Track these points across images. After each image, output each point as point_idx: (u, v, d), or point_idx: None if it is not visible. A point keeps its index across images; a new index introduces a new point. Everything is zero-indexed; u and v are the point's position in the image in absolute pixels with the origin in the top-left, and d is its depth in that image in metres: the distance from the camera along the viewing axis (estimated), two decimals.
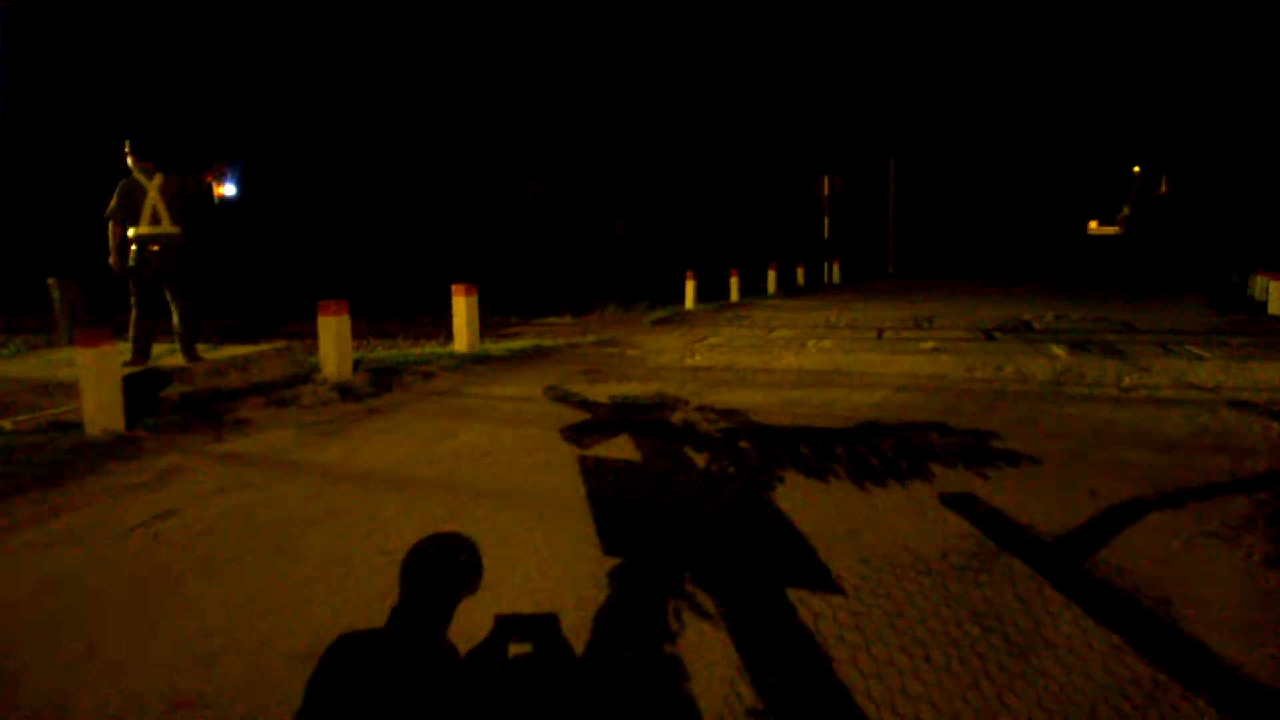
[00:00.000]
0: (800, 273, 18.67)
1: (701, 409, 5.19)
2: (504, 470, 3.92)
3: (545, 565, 2.75)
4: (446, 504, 3.41)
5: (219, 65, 28.75)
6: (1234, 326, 9.34)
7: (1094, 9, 52.20)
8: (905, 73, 37.11)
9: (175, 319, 6.10)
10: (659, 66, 34.83)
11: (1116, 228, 43.74)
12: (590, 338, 9.47)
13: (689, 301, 13.63)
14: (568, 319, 12.48)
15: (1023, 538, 2.89)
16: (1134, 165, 40.85)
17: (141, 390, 5.38)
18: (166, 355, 6.27)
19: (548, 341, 9.04)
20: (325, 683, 2.08)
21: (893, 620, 2.31)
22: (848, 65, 36.16)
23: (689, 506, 3.32)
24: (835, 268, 20.41)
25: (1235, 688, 1.95)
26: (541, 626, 2.32)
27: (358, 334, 8.13)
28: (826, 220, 19.50)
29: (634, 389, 5.97)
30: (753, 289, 15.86)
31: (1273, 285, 10.82)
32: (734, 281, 14.87)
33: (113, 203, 5.92)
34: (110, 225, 5.95)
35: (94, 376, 4.67)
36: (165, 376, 5.74)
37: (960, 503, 3.28)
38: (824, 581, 2.57)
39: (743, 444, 4.27)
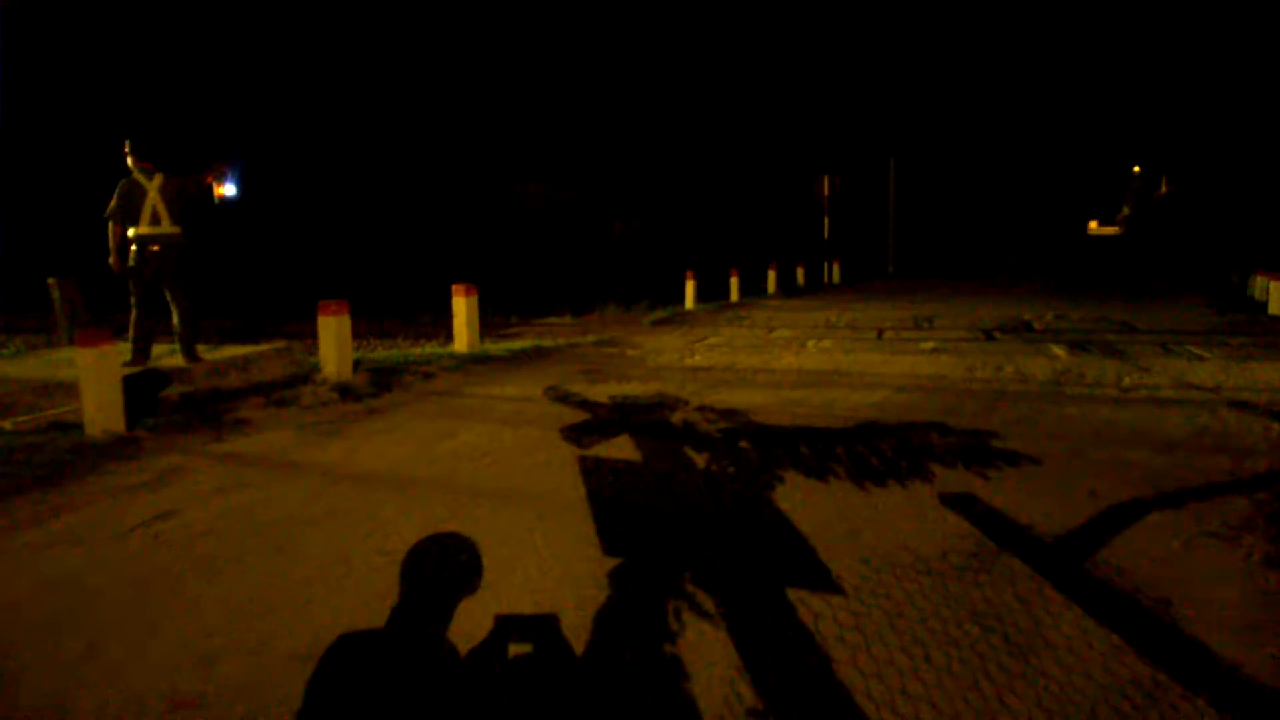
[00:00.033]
0: (800, 273, 18.67)
1: (701, 409, 5.19)
2: (504, 470, 3.93)
3: (545, 565, 2.75)
4: (446, 504, 3.41)
5: (219, 65, 28.80)
6: (1234, 326, 9.34)
7: (1094, 9, 52.24)
8: (905, 73, 37.16)
9: (175, 319, 6.11)
10: (659, 67, 34.90)
11: (1116, 228, 43.73)
12: (590, 338, 9.47)
13: (689, 301, 13.63)
14: (568, 319, 12.49)
15: (1023, 538, 2.90)
16: (1134, 165, 40.87)
17: (141, 390, 5.38)
18: (166, 355, 6.27)
19: (548, 341, 9.04)
20: (325, 683, 2.08)
21: (893, 620, 2.31)
22: (847, 66, 36.22)
23: (689, 506, 3.32)
24: (835, 268, 20.41)
25: (1235, 688, 1.95)
26: (541, 626, 2.32)
27: (358, 334, 8.13)
28: (826, 220, 19.50)
29: (634, 389, 5.97)
30: (753, 289, 15.86)
31: (1273, 285, 10.82)
32: (734, 281, 14.88)
33: (113, 203, 5.92)
34: (110, 225, 5.96)
35: (94, 377, 4.67)
36: (165, 377, 5.74)
37: (960, 503, 3.28)
38: (824, 581, 2.57)
39: (743, 444, 4.27)
